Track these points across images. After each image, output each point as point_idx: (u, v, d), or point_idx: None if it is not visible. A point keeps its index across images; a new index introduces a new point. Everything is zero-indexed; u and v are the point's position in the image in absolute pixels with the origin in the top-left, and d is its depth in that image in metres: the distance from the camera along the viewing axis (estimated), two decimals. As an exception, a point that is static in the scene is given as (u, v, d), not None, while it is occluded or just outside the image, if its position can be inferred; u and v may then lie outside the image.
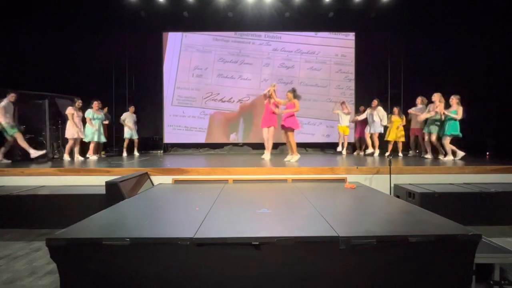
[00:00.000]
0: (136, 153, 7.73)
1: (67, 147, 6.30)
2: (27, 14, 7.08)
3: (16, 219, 3.63)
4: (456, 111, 5.65)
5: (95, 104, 6.59)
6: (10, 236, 3.56)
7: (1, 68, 6.24)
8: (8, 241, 3.43)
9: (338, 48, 9.24)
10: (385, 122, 7.02)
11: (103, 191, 3.53)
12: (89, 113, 6.51)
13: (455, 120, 5.66)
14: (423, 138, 6.43)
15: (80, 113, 6.44)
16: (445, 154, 5.89)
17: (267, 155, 5.98)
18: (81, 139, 6.48)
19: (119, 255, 1.93)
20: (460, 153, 5.78)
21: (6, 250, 3.17)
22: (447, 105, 5.81)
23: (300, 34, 9.25)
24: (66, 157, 6.27)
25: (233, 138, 9.25)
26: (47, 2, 7.20)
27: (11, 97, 5.73)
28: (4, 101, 5.62)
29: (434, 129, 6.03)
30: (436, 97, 5.95)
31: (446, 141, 5.78)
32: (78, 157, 6.28)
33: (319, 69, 9.32)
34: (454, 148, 5.81)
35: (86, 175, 4.52)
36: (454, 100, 5.74)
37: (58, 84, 6.14)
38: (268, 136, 5.94)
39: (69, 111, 6.19)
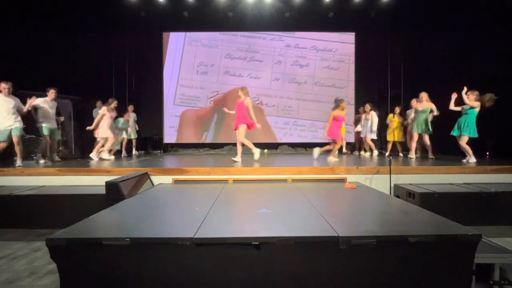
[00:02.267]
0: (134, 151, 7.80)
1: (97, 146, 6.39)
2: (27, 14, 7.07)
3: (16, 219, 3.64)
4: (473, 106, 5.35)
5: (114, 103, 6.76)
6: (10, 236, 3.56)
7: (0, 68, 6.24)
8: (8, 241, 3.43)
9: (343, 46, 9.08)
10: (375, 127, 7.03)
11: (103, 191, 3.53)
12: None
13: (472, 112, 5.36)
14: (414, 139, 6.35)
15: (114, 114, 6.51)
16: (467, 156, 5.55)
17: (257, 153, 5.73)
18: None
19: (119, 255, 1.93)
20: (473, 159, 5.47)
21: (6, 250, 3.17)
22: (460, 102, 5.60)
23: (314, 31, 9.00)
24: (95, 156, 6.26)
25: (203, 139, 9.08)
26: (46, 2, 7.20)
27: (51, 93, 5.75)
28: (38, 100, 5.62)
29: (423, 129, 6.04)
30: (425, 96, 6.02)
31: (463, 141, 5.47)
32: (107, 156, 6.36)
33: (332, 68, 9.09)
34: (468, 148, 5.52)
35: (86, 175, 4.52)
36: (471, 96, 5.38)
37: (58, 84, 6.12)
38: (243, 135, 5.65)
39: (103, 111, 6.27)
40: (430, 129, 6.07)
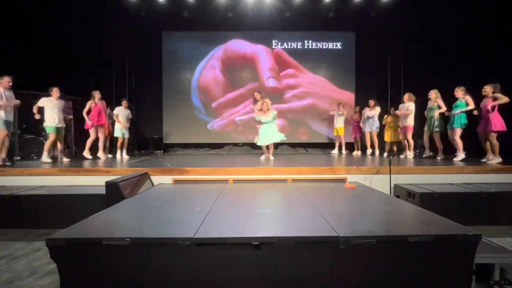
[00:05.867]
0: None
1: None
2: (27, 14, 7.07)
3: (16, 219, 3.65)
4: (466, 102, 5.44)
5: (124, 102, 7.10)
6: (10, 236, 3.56)
7: (1, 68, 6.24)
8: (8, 241, 3.43)
9: (343, 46, 9.09)
10: (378, 122, 7.14)
11: (103, 191, 3.54)
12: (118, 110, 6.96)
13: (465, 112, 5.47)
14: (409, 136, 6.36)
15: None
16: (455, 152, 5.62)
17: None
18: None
19: (119, 255, 1.93)
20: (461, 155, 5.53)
21: (6, 250, 3.16)
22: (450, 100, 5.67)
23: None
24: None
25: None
26: (46, 2, 7.20)
27: (55, 91, 5.74)
28: (43, 99, 5.63)
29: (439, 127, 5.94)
30: (433, 94, 5.93)
31: (457, 135, 5.53)
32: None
33: (332, 68, 9.10)
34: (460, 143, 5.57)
35: (86, 175, 4.52)
36: (459, 92, 5.54)
37: (58, 84, 6.12)
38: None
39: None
40: (437, 127, 5.96)
